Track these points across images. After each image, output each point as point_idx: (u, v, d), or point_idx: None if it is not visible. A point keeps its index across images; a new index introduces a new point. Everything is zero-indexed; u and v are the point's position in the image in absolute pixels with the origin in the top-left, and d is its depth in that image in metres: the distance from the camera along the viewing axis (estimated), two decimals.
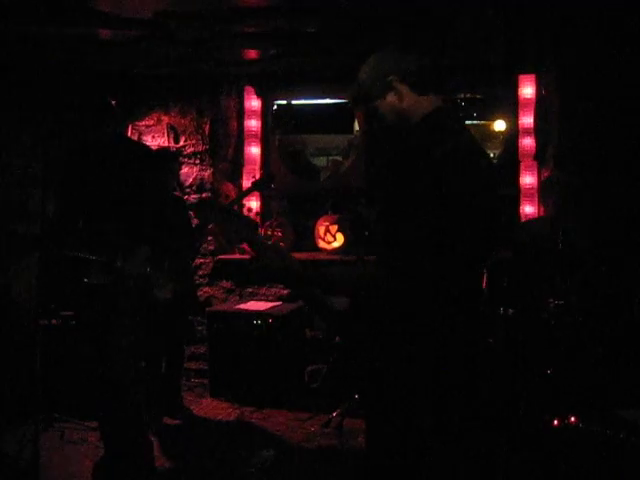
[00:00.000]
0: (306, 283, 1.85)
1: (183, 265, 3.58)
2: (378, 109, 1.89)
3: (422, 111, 1.86)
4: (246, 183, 5.54)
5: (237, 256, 5.36)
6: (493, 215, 1.79)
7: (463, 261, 1.72)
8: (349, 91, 1.99)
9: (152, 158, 3.84)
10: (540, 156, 5.04)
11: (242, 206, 5.03)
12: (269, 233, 5.41)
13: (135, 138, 5.46)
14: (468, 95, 5.55)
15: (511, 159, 5.23)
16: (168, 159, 4.72)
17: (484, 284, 3.69)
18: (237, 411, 4.63)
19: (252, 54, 4.86)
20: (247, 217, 1.93)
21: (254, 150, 5.62)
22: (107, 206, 3.28)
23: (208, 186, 5.50)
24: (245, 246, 1.87)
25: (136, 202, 3.32)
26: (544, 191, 5.00)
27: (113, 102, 3.43)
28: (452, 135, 1.79)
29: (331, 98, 5.65)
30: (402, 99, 1.87)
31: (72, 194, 3.42)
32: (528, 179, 5.06)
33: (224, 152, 5.59)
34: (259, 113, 5.63)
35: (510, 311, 3.65)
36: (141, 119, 5.55)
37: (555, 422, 3.03)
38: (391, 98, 1.87)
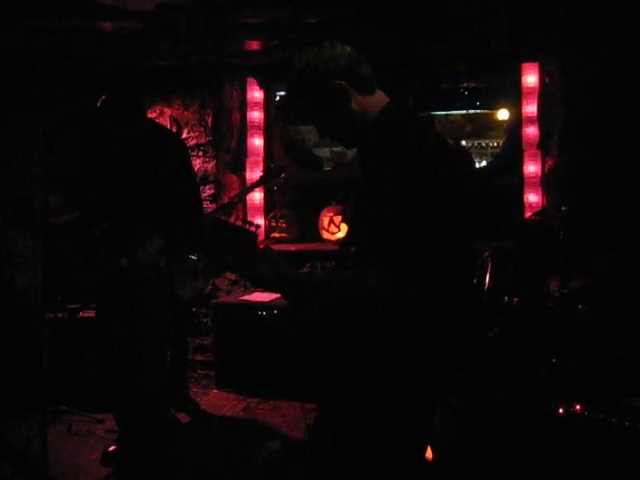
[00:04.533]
0: (301, 291, 1.85)
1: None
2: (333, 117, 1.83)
3: (374, 110, 1.82)
4: (249, 175, 5.54)
5: None
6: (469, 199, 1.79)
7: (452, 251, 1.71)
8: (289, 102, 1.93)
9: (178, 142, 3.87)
10: (544, 145, 5.02)
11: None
12: (273, 224, 5.41)
13: None
14: (471, 84, 5.53)
15: (514, 148, 5.21)
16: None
17: (489, 274, 3.69)
18: (243, 402, 4.65)
19: (254, 45, 4.84)
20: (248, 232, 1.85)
21: (257, 141, 5.61)
22: (131, 194, 3.32)
23: (212, 178, 5.50)
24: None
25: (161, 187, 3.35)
26: (548, 180, 4.98)
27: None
28: (408, 128, 1.77)
29: None
30: (350, 103, 1.81)
31: (93, 185, 3.46)
32: (532, 168, 5.03)
33: (227, 144, 5.59)
34: (262, 104, 5.62)
35: (515, 300, 3.65)
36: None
37: (560, 410, 3.04)
38: (341, 104, 1.80)
